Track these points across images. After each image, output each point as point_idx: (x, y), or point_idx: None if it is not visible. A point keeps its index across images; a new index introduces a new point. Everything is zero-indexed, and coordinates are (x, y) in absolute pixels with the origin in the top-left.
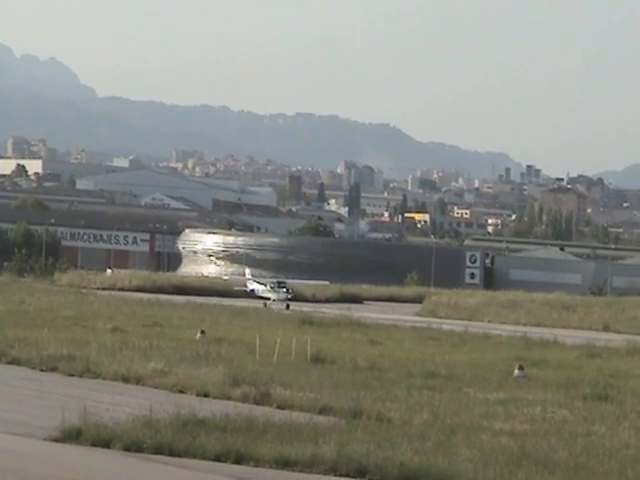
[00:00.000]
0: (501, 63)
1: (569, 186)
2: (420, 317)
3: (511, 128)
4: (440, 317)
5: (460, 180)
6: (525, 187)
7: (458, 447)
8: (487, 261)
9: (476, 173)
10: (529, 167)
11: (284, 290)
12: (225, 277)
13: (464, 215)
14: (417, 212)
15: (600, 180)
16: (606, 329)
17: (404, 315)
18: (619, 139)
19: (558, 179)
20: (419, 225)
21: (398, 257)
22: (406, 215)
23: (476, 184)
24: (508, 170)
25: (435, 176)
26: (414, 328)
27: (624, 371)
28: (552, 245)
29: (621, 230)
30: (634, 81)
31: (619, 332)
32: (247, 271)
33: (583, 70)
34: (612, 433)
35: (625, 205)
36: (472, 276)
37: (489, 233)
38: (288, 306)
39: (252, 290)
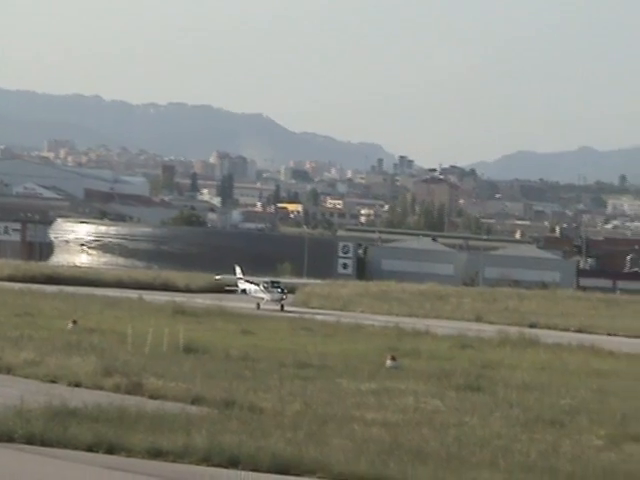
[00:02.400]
0: (373, 56)
1: (441, 177)
2: (293, 307)
3: (384, 119)
4: (313, 307)
5: (333, 171)
6: (398, 178)
7: (330, 437)
8: (360, 252)
9: (349, 164)
10: (402, 158)
11: (278, 290)
12: (217, 277)
13: (337, 206)
14: (290, 202)
15: (472, 171)
16: (478, 320)
17: (277, 305)
18: (491, 131)
19: (431, 170)
20: (292, 215)
21: (271, 247)
22: (279, 205)
23: (349, 175)
24: (381, 161)
25: (308, 166)
26: (287, 318)
27: (496, 361)
28: (424, 236)
29: (493, 221)
30: (505, 73)
31: (491, 323)
32: (238, 270)
33: (456, 63)
34: (484, 423)
35: (497, 196)
36: (345, 266)
37: (362, 224)
38: (282, 307)
39: (244, 290)
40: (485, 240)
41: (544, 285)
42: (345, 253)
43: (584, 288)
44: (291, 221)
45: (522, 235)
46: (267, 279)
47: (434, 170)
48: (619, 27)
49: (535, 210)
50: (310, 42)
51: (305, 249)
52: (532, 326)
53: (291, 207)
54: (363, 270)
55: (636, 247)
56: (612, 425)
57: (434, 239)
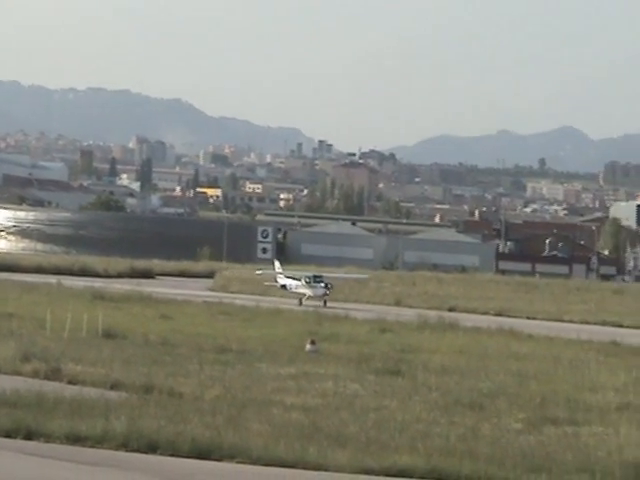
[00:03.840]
0: (291, 39)
1: (361, 161)
2: (212, 292)
3: (303, 103)
4: (232, 292)
5: (252, 155)
6: (317, 162)
7: (250, 422)
8: (279, 236)
9: (268, 148)
10: (321, 142)
11: (322, 285)
12: (258, 272)
13: (256, 190)
14: (209, 187)
15: (392, 155)
16: (397, 303)
17: (196, 290)
18: (410, 114)
19: (350, 154)
20: (211, 200)
21: (190, 232)
22: (198, 190)
23: (268, 159)
24: (300, 145)
25: (227, 151)
26: (206, 303)
27: (415, 345)
28: (344, 220)
29: (412, 205)
30: (424, 57)
31: (410, 306)
32: (277, 264)
33: (375, 46)
34: (403, 407)
35: (416, 180)
36: (264, 251)
37: (281, 208)
38: (325, 302)
39: (283, 286)
40: (404, 224)
41: (463, 269)
42: (264, 237)
43: (503, 272)
44: (210, 206)
45: (441, 219)
46: (309, 274)
47: (353, 154)
48: (536, 11)
49: (454, 194)
50: (227, 26)
51: (224, 234)
52: (451, 310)
53: (210, 192)
54: (283, 254)
55: (555, 231)
56: (531, 408)
57: (353, 223)
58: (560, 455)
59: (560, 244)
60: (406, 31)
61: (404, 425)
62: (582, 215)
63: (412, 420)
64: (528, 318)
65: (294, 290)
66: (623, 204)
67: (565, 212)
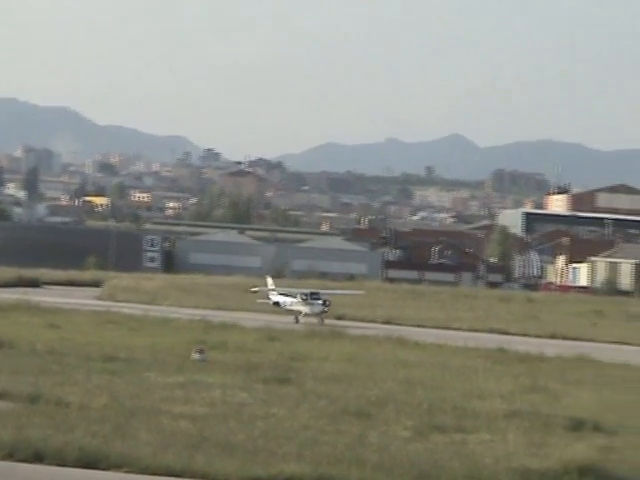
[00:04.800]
0: (176, 48)
1: (249, 169)
2: (99, 301)
3: (189, 112)
4: (119, 301)
5: (139, 163)
6: (204, 170)
7: (137, 431)
8: (167, 245)
9: (155, 156)
10: (208, 150)
11: (319, 302)
12: (254, 289)
13: (144, 199)
14: (96, 196)
15: (279, 163)
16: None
17: (83, 299)
18: (298, 123)
19: (237, 162)
20: (98, 209)
21: (77, 241)
22: (85, 199)
23: (156, 168)
24: (188, 154)
25: (114, 159)
26: (93, 312)
27: (303, 354)
28: (232, 228)
29: (300, 213)
30: (312, 65)
31: None
32: (269, 281)
33: (261, 55)
34: (291, 415)
35: (304, 188)
36: (152, 260)
37: (169, 217)
38: (322, 320)
39: (276, 303)
40: (292, 232)
41: (351, 277)
42: (151, 246)
43: (391, 279)
44: (97, 215)
45: (329, 227)
46: (306, 290)
47: (240, 163)
48: (416, 18)
49: (342, 202)
50: (113, 34)
51: (111, 242)
52: (339, 318)
53: (97, 200)
54: (171, 263)
55: (443, 238)
56: (419, 416)
57: (241, 232)
58: (448, 463)
59: (448, 252)
60: (292, 37)
61: (292, 433)
62: (470, 223)
63: (300, 428)
64: (416, 326)
65: (289, 307)
66: (510, 212)
67: (453, 220)
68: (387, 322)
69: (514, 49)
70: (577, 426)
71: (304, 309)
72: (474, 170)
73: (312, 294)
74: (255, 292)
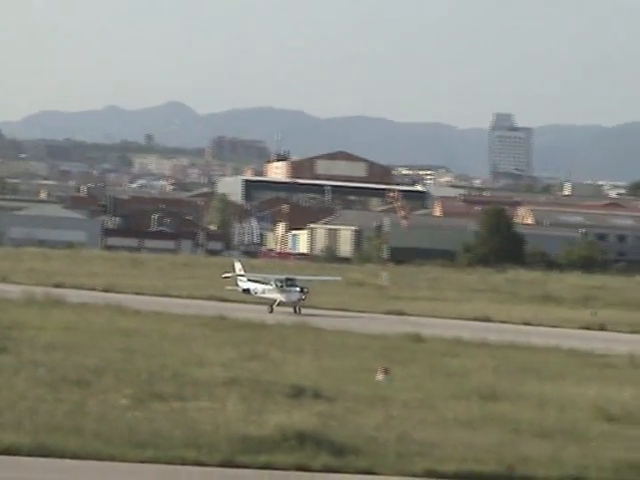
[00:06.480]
0: None
1: None
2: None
3: None
4: None
5: None
6: None
7: None
8: None
9: None
10: None
11: (296, 289)
12: (226, 275)
13: None
14: None
15: None
16: (3, 280)
17: None
18: (15, 90)
19: None
20: None
21: None
22: None
23: None
24: None
25: None
26: None
27: (21, 322)
28: None
29: (18, 181)
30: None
31: (16, 283)
32: (238, 266)
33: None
34: (9, 384)
35: (22, 156)
36: None
37: None
38: (300, 310)
39: (246, 290)
40: (10, 200)
41: (70, 245)
42: None
43: (111, 247)
44: None
45: (48, 195)
46: (281, 276)
47: None
48: None
49: (61, 170)
50: None
51: None
52: (58, 286)
53: None
54: None
55: (162, 206)
56: (138, 384)
57: None
58: (167, 430)
59: (167, 220)
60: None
61: (10, 402)
62: (190, 191)
63: (18, 397)
64: (136, 294)
65: (261, 295)
66: (230, 179)
67: (173, 187)
68: (107, 290)
69: (227, 20)
70: (297, 393)
71: (280, 297)
72: (194, 138)
73: (288, 280)
74: (227, 278)
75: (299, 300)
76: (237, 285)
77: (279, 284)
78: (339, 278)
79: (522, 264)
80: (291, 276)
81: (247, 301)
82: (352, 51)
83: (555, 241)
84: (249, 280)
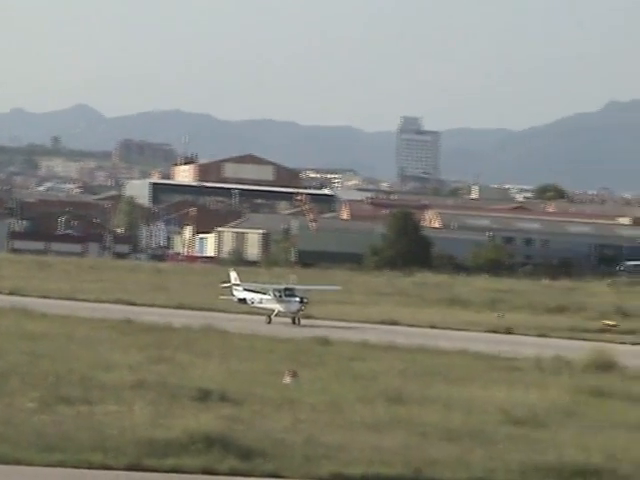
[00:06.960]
0: None
1: None
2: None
3: None
4: None
5: None
6: None
7: None
8: None
9: None
10: None
11: (296, 299)
12: (224, 285)
13: None
14: None
15: None
16: None
17: None
18: None
19: None
20: None
21: None
22: None
23: None
24: None
25: None
26: None
27: None
28: None
29: None
30: None
31: None
32: (233, 275)
33: None
34: None
35: None
36: None
37: None
38: (299, 320)
39: (242, 300)
40: None
41: None
42: None
43: (17, 250)
44: None
45: None
46: (280, 286)
47: None
48: None
49: None
50: None
51: None
52: None
53: None
54: None
55: (69, 209)
56: (45, 387)
57: None
58: (74, 434)
59: (74, 222)
60: None
61: None
62: (97, 194)
63: None
64: (42, 297)
65: (258, 305)
66: (137, 182)
67: (79, 190)
68: (12, 293)
69: (135, 23)
70: (204, 396)
71: (278, 307)
72: (101, 140)
73: (287, 290)
74: (225, 287)
75: (298, 310)
76: (232, 295)
77: (278, 294)
78: (339, 287)
79: (429, 267)
80: (290, 286)
81: (156, 305)
82: (259, 54)
83: (462, 244)
84: (245, 290)
